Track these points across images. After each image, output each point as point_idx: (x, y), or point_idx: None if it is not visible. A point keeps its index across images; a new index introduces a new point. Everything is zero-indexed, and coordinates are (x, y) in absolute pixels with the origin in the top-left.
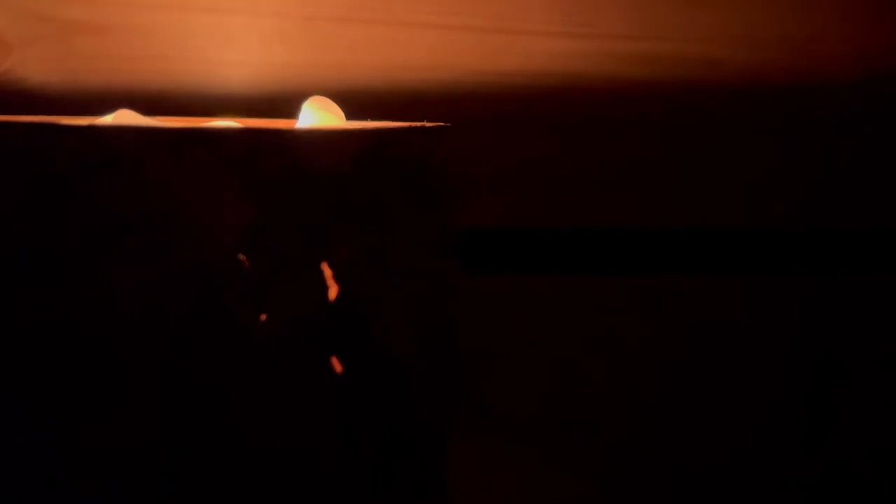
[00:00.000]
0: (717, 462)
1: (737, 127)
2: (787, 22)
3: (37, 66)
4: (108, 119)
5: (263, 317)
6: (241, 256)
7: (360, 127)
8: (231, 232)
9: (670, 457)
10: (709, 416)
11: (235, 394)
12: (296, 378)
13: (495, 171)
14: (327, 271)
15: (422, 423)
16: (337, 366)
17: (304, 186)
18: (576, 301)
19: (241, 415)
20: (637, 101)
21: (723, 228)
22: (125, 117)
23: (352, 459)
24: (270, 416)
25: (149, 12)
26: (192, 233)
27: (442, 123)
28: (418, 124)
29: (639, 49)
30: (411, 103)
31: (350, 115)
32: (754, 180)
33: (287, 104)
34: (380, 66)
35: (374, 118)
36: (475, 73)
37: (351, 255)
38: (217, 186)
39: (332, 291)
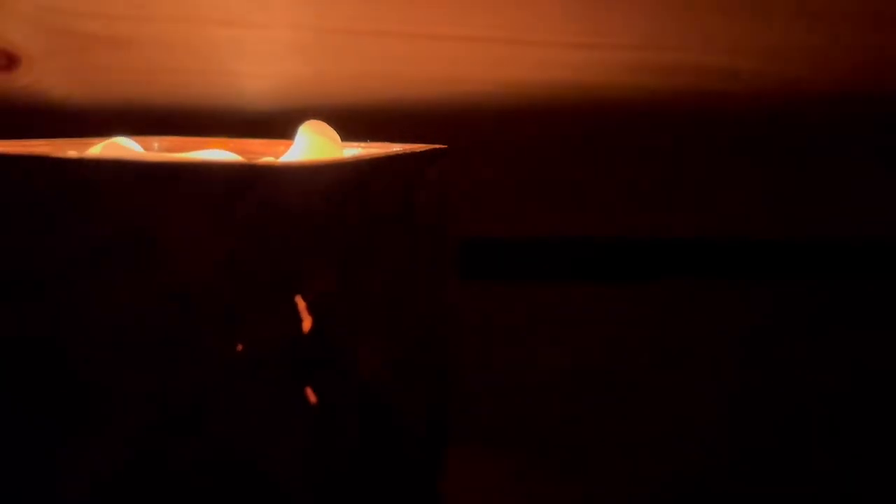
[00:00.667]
0: (717, 468)
1: (754, 138)
2: (812, 33)
3: (58, 80)
4: (98, 149)
5: (240, 347)
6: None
7: (346, 155)
8: (206, 263)
9: (671, 463)
10: (708, 422)
11: (216, 415)
12: (278, 399)
13: (510, 182)
14: (306, 298)
15: (414, 438)
16: (322, 386)
17: (280, 219)
18: (587, 308)
19: (222, 433)
20: (653, 111)
21: (733, 238)
22: (113, 148)
23: (342, 477)
24: (250, 435)
25: (167, 26)
26: (167, 263)
27: (437, 146)
28: (408, 148)
29: (656, 59)
30: (426, 114)
31: (365, 128)
32: (770, 191)
33: (304, 117)
34: (394, 78)
35: (389, 130)
36: (489, 84)
37: (330, 283)
38: (191, 219)
39: (313, 317)
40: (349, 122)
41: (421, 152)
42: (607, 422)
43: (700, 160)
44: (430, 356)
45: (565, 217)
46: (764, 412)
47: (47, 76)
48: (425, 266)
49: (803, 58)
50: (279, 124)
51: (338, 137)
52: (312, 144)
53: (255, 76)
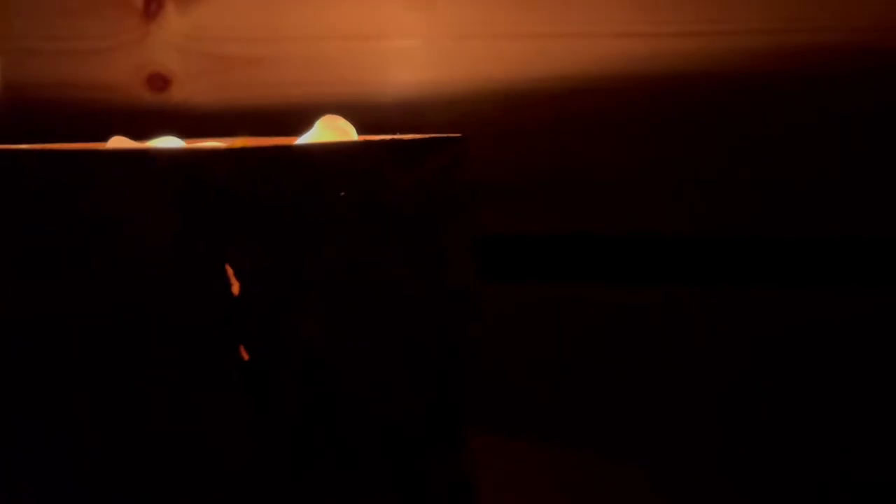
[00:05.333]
0: (728, 463)
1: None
2: None
3: (203, 96)
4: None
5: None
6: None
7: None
8: (160, 239)
9: (684, 457)
10: (719, 419)
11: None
12: (214, 363)
13: (618, 175)
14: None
15: (389, 418)
16: (257, 350)
17: (209, 197)
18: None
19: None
20: (782, 100)
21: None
22: (117, 142)
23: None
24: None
25: (292, 44)
26: (129, 239)
27: (436, 135)
28: (381, 137)
29: (785, 43)
30: (543, 111)
31: (479, 128)
32: None
33: (430, 118)
34: (505, 79)
35: (507, 127)
36: (601, 80)
37: (257, 255)
38: (141, 199)
39: (241, 284)
40: (460, 125)
41: (399, 143)
42: (623, 419)
43: (841, 152)
44: (421, 345)
45: (678, 211)
46: (764, 416)
47: (194, 94)
48: (405, 254)
49: None
50: (397, 128)
51: (352, 131)
52: (319, 137)
53: (371, 84)
